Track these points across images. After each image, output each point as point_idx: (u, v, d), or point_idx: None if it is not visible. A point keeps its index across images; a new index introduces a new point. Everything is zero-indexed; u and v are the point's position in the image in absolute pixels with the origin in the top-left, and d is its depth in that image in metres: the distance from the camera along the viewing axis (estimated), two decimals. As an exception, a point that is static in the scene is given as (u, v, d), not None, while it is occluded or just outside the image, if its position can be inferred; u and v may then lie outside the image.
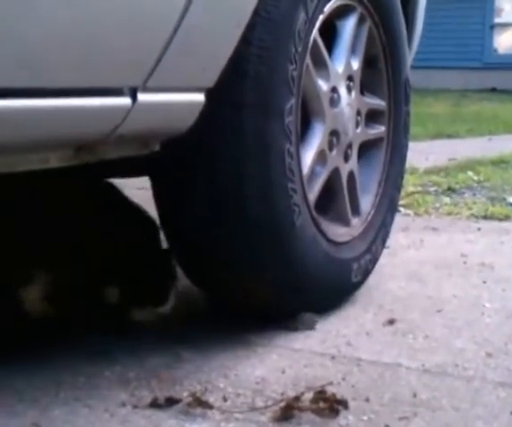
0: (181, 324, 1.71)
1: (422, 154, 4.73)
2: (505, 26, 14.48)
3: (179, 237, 1.63)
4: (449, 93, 11.26)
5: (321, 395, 1.32)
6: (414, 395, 1.37)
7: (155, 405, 1.30)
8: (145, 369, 1.46)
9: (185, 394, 1.34)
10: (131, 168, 1.66)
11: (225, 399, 1.33)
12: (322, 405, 1.29)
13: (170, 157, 1.49)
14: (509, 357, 1.55)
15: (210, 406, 1.30)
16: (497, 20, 14.42)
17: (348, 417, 1.28)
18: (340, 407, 1.29)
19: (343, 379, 1.43)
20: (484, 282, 2.09)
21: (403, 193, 2.80)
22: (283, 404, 1.30)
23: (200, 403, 1.30)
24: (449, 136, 6.25)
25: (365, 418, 1.28)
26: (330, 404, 1.29)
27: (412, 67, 2.19)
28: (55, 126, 1.07)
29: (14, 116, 1.02)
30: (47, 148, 1.14)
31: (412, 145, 2.23)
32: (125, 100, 1.17)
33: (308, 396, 1.31)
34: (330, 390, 1.34)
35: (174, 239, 1.64)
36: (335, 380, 1.42)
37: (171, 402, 1.31)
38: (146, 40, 1.17)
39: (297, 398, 1.31)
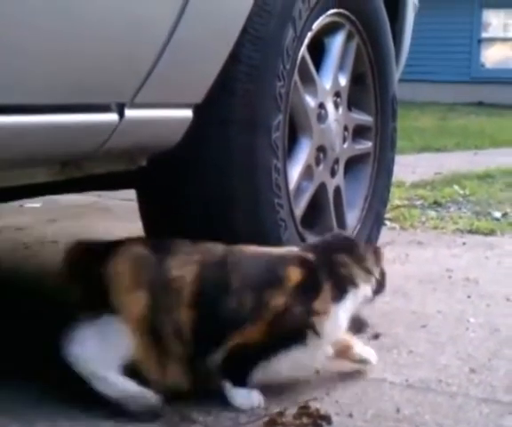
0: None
1: (409, 167, 4.76)
2: (492, 40, 14.58)
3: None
4: (436, 107, 11.31)
5: (304, 410, 1.32)
6: (398, 410, 1.38)
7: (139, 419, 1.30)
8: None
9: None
10: (118, 181, 1.67)
11: (209, 414, 1.33)
12: (305, 420, 1.30)
13: (157, 171, 1.49)
14: (493, 373, 1.56)
15: (193, 421, 1.30)
16: (484, 35, 14.52)
17: (332, 433, 1.29)
18: (324, 423, 1.30)
19: (327, 394, 1.43)
20: (469, 297, 2.10)
21: (389, 206, 2.81)
22: (266, 419, 1.30)
23: (183, 418, 1.30)
24: (436, 150, 6.28)
25: (349, 434, 1.29)
26: (313, 419, 1.30)
27: (399, 80, 2.21)
28: (42, 142, 1.07)
29: (2, 133, 1.02)
30: (34, 163, 1.14)
31: (398, 158, 2.24)
32: (113, 117, 1.18)
33: (292, 411, 1.32)
34: (313, 405, 1.35)
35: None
36: (319, 395, 1.42)
37: (155, 416, 1.31)
38: (134, 57, 1.18)
39: (280, 414, 1.32)
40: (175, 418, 1.30)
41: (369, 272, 1.48)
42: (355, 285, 1.44)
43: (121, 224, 2.74)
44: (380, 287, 1.52)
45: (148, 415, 1.29)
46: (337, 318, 1.41)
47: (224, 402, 1.38)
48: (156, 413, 1.29)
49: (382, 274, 1.53)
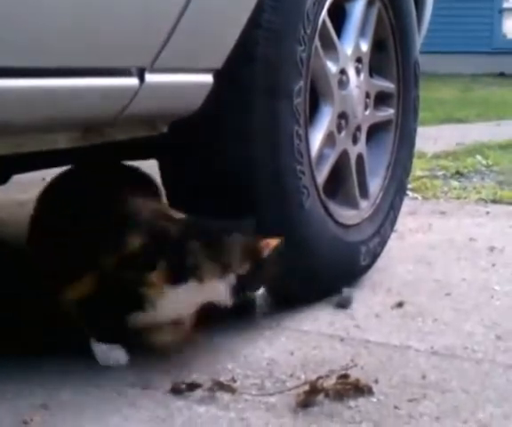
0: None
1: (430, 138, 4.71)
2: (514, 10, 14.38)
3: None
4: (458, 78, 11.19)
5: (344, 379, 1.31)
6: (423, 377, 1.37)
7: (175, 391, 1.30)
8: (153, 352, 1.46)
9: (193, 376, 1.35)
10: (139, 150, 1.66)
11: (234, 381, 1.33)
12: (347, 387, 1.29)
13: (178, 139, 1.48)
14: (519, 339, 1.55)
15: (231, 390, 1.29)
16: (506, 5, 14.31)
17: (358, 399, 1.28)
18: (366, 389, 1.29)
19: (352, 361, 1.43)
20: (493, 265, 2.08)
21: (411, 177, 2.78)
22: (306, 387, 1.28)
23: (221, 387, 1.30)
24: (457, 121, 6.21)
25: (374, 400, 1.28)
26: (354, 387, 1.29)
27: (421, 52, 2.18)
28: (62, 106, 1.07)
29: (22, 96, 1.01)
30: (55, 128, 1.13)
31: (420, 130, 2.22)
32: (133, 81, 1.17)
33: (331, 380, 1.31)
34: (353, 374, 1.33)
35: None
36: (344, 362, 1.42)
37: (192, 387, 1.30)
38: (153, 21, 1.17)
39: (320, 381, 1.30)
40: (215, 387, 1.30)
41: (225, 267, 1.36)
42: (197, 277, 1.35)
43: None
44: (248, 283, 1.39)
45: None
46: (172, 300, 1.35)
47: (250, 368, 1.38)
48: None
49: (255, 269, 1.38)
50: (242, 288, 1.37)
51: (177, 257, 1.35)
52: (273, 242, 1.39)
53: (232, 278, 1.36)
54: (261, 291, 1.42)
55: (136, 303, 1.35)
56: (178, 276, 1.35)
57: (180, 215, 1.44)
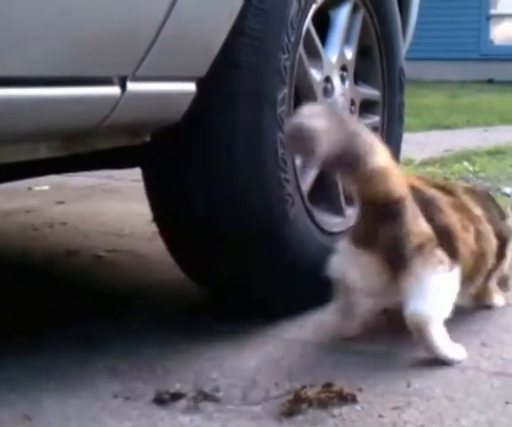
0: (175, 315, 1.70)
1: (418, 145, 4.72)
2: (501, 17, 14.44)
3: (172, 229, 1.62)
4: (445, 85, 11.23)
5: (328, 388, 1.31)
6: (408, 385, 1.37)
7: (159, 400, 1.29)
8: (138, 360, 1.45)
9: (177, 385, 1.34)
10: (124, 159, 1.65)
11: (218, 390, 1.33)
12: (330, 395, 1.29)
13: (161, 148, 1.48)
14: (504, 346, 1.55)
15: (216, 399, 1.29)
16: (493, 12, 14.38)
17: (342, 407, 1.28)
18: (349, 398, 1.29)
19: (336, 369, 1.42)
20: (479, 272, 2.08)
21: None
22: (290, 396, 1.29)
23: (205, 396, 1.29)
24: (445, 127, 6.23)
25: (359, 408, 1.28)
26: (338, 396, 1.29)
27: (408, 58, 2.18)
28: (43, 115, 1.06)
29: (2, 106, 1.01)
30: (35, 138, 1.13)
31: (407, 136, 2.22)
32: (115, 90, 1.16)
33: (316, 389, 1.31)
34: (337, 383, 1.33)
35: (167, 232, 1.63)
36: (328, 370, 1.41)
37: (176, 397, 1.29)
38: (135, 29, 1.16)
39: (304, 390, 1.30)
40: (199, 397, 1.29)
41: None
42: None
43: (130, 205, 2.74)
44: None
45: None
46: None
47: (235, 377, 1.38)
48: None
49: None
50: None
51: None
52: None
53: None
54: None
55: None
56: None
57: None
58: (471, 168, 3.96)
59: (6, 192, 2.66)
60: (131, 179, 3.04)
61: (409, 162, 4.02)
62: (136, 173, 1.71)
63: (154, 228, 1.70)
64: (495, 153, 4.53)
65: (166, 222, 1.63)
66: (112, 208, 2.78)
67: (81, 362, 1.43)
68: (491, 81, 12.66)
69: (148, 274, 2.00)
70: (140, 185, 1.65)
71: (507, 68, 13.09)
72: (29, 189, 3.02)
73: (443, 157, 4.36)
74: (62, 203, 2.86)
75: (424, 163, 4.15)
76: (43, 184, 2.98)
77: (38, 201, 2.84)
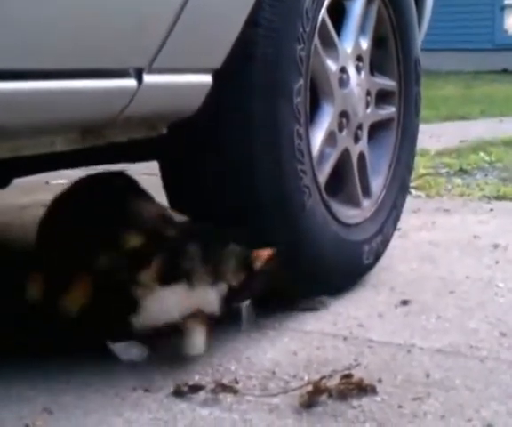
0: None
1: (433, 136, 4.70)
2: (515, 7, 14.35)
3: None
4: (460, 76, 11.17)
5: (348, 379, 1.30)
6: (427, 375, 1.36)
7: (178, 393, 1.29)
8: (156, 353, 1.45)
9: (196, 378, 1.34)
10: (139, 152, 1.65)
11: (237, 382, 1.33)
12: (350, 387, 1.28)
13: (178, 141, 1.48)
14: (523, 336, 1.54)
15: (234, 391, 1.28)
16: (507, 2, 14.27)
17: (361, 399, 1.27)
18: (369, 389, 1.28)
19: (355, 360, 1.42)
20: (497, 262, 2.07)
21: (414, 175, 2.77)
22: (309, 387, 1.28)
23: (224, 388, 1.29)
24: (460, 118, 6.20)
25: (378, 399, 1.27)
26: (358, 387, 1.28)
27: (422, 49, 2.17)
28: (60, 109, 1.06)
29: (20, 99, 1.01)
30: (52, 131, 1.13)
31: (423, 127, 2.21)
32: (131, 82, 1.16)
33: (335, 380, 1.30)
34: (356, 373, 1.32)
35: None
36: (347, 361, 1.41)
37: (195, 389, 1.29)
38: (150, 21, 1.16)
39: (324, 381, 1.29)
40: (218, 388, 1.29)
41: (217, 276, 1.37)
42: (188, 281, 1.35)
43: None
44: (236, 296, 1.40)
45: None
46: (161, 302, 1.35)
47: (252, 369, 1.38)
48: None
49: (246, 280, 1.40)
50: (232, 298, 1.38)
51: (170, 259, 1.35)
52: (266, 253, 1.40)
53: (223, 288, 1.37)
54: (248, 302, 1.42)
55: (128, 304, 1.35)
56: (168, 278, 1.34)
57: (180, 218, 1.44)
58: (487, 159, 3.94)
59: (23, 186, 2.66)
60: (144, 172, 3.05)
61: (425, 153, 4.01)
62: (147, 166, 1.70)
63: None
64: (511, 143, 4.50)
65: (183, 214, 1.62)
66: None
67: (100, 357, 1.43)
68: (505, 71, 12.57)
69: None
70: (155, 179, 1.65)
71: (521, 58, 12.99)
72: (46, 183, 3.03)
73: (459, 148, 4.34)
74: (79, 197, 2.86)
75: (440, 154, 4.13)
76: (60, 178, 2.99)
77: (54, 195, 2.84)
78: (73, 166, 1.86)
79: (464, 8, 13.50)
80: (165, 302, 1.35)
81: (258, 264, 1.39)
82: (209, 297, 1.37)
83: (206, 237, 1.39)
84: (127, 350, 1.40)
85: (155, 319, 1.36)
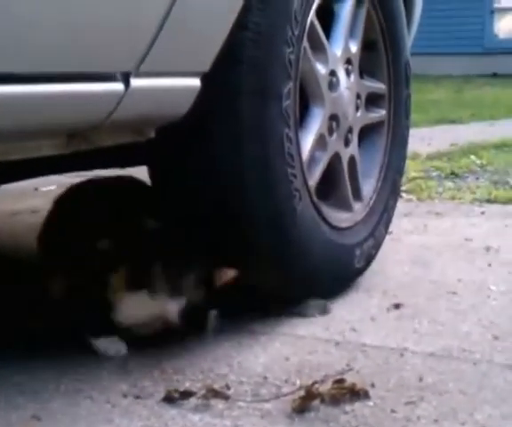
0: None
1: (424, 140, 4.71)
2: (505, 11, 14.40)
3: (177, 224, 1.61)
4: (450, 79, 11.20)
5: (340, 384, 1.29)
6: (420, 379, 1.35)
7: (169, 399, 1.28)
8: (147, 359, 1.44)
9: (187, 384, 1.33)
10: (128, 157, 1.64)
11: (228, 388, 1.31)
12: (342, 391, 1.27)
13: (166, 145, 1.46)
14: (516, 339, 1.53)
15: (226, 397, 1.27)
16: (497, 5, 14.34)
17: (354, 403, 1.26)
18: (361, 394, 1.27)
19: (347, 365, 1.41)
20: (489, 265, 2.07)
21: (405, 178, 2.77)
22: (301, 392, 1.27)
23: (215, 394, 1.28)
24: (451, 122, 6.21)
25: (371, 404, 1.26)
26: (350, 392, 1.27)
27: (413, 53, 2.16)
28: (46, 112, 1.05)
29: (5, 103, 1.00)
30: (39, 135, 1.11)
31: (413, 131, 2.20)
32: (118, 86, 1.15)
33: (326, 385, 1.29)
34: (349, 378, 1.31)
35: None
36: (339, 366, 1.40)
37: (186, 395, 1.28)
38: (137, 24, 1.15)
39: (316, 386, 1.28)
40: (209, 394, 1.28)
41: (177, 290, 1.41)
42: (150, 288, 1.40)
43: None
44: (195, 310, 1.43)
45: None
46: (127, 305, 1.41)
47: (244, 375, 1.36)
48: None
49: (207, 296, 1.44)
50: (192, 311, 1.42)
51: (135, 265, 1.41)
52: (229, 273, 1.43)
53: (183, 301, 1.41)
54: (214, 312, 1.45)
55: (98, 304, 1.41)
56: (133, 284, 1.40)
57: (154, 224, 1.48)
58: (478, 162, 3.94)
59: (13, 193, 2.65)
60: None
61: (416, 156, 4.01)
62: (137, 171, 1.69)
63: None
64: (501, 146, 4.51)
65: (172, 218, 1.61)
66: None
67: (90, 363, 1.42)
68: (495, 75, 12.62)
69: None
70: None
71: (511, 62, 13.04)
72: (36, 189, 3.01)
73: (450, 151, 4.34)
74: (68, 204, 2.84)
75: (431, 157, 4.13)
76: (49, 184, 2.98)
77: (44, 201, 2.82)
78: (61, 172, 1.85)
79: (454, 12, 13.56)
80: (131, 306, 1.41)
81: (218, 283, 1.43)
82: (168, 307, 1.42)
83: (174, 249, 1.44)
84: (106, 346, 1.44)
85: (126, 319, 1.43)
